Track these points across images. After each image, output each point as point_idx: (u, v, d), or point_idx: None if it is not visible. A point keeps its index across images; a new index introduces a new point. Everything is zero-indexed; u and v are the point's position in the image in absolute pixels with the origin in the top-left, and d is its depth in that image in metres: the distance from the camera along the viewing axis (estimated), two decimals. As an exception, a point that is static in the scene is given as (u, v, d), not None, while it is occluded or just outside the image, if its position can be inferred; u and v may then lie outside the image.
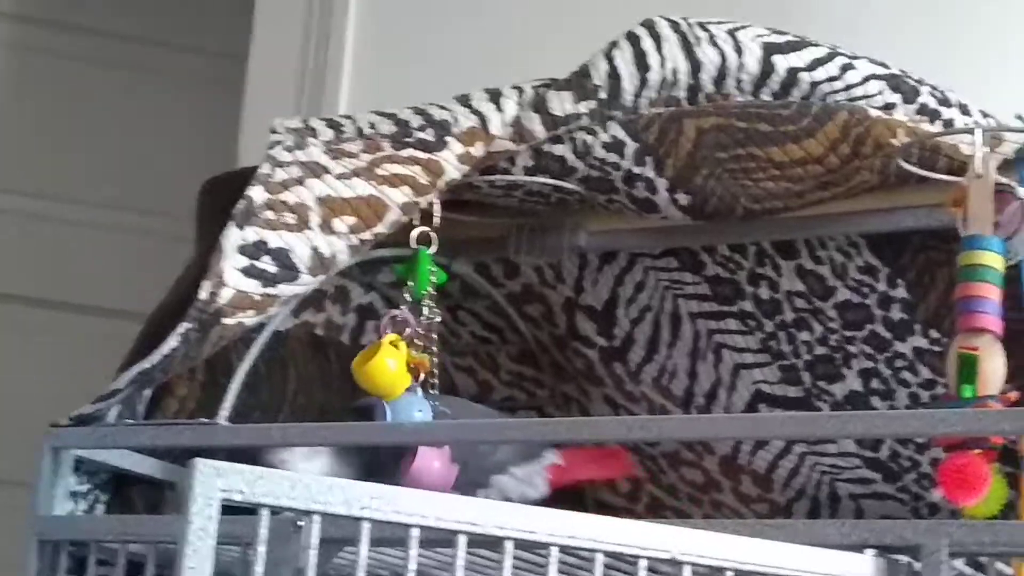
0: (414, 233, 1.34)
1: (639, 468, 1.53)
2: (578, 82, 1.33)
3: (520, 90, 1.35)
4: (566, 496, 1.53)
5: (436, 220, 1.34)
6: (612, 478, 1.50)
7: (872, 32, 1.77)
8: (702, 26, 1.35)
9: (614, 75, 1.33)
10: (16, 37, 2.46)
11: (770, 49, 1.34)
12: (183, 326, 1.21)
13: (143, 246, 2.35)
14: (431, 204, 1.33)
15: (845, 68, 1.34)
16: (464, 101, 1.35)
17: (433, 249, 1.35)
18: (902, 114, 1.32)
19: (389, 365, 1.28)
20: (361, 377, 1.28)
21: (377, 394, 1.29)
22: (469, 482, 1.33)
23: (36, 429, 1.34)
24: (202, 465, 0.89)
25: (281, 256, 1.22)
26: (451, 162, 1.30)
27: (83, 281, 2.38)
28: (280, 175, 1.26)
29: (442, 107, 1.34)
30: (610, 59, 1.33)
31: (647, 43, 1.33)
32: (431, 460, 1.28)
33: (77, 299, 2.38)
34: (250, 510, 0.91)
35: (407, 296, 1.34)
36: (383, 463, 1.31)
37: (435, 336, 1.35)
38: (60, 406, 1.38)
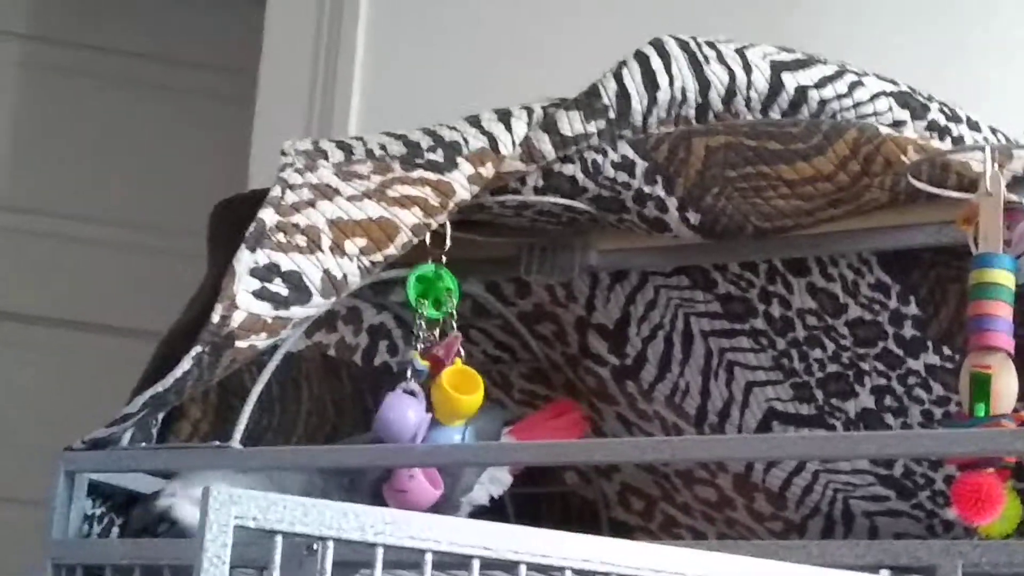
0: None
1: (653, 487, 1.53)
2: (587, 102, 1.33)
3: (530, 110, 1.36)
4: (580, 515, 1.53)
5: (448, 241, 1.34)
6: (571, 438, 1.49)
7: (877, 48, 1.77)
8: (710, 45, 1.35)
9: (623, 94, 1.33)
10: (28, 56, 2.47)
11: (779, 67, 1.35)
12: (196, 349, 1.22)
13: (155, 264, 2.36)
14: (442, 225, 1.33)
15: (854, 86, 1.34)
16: (474, 122, 1.35)
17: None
18: (912, 131, 1.32)
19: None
20: (463, 407, 1.30)
21: (462, 419, 1.31)
22: (451, 504, 1.33)
23: (47, 448, 1.35)
24: (216, 491, 0.89)
25: (293, 279, 1.22)
26: (461, 183, 1.31)
27: (95, 300, 2.39)
28: (291, 197, 1.27)
29: (452, 128, 1.35)
30: (619, 78, 1.33)
31: (656, 62, 1.33)
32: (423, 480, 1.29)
33: (88, 318, 2.38)
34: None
35: (423, 313, 1.34)
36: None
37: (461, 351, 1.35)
38: (73, 426, 1.38)
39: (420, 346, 1.33)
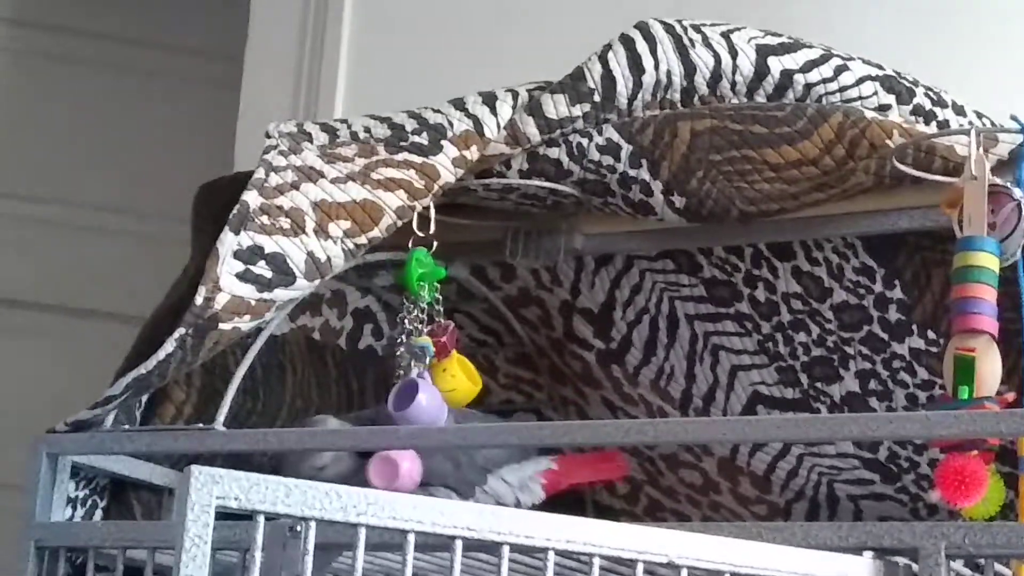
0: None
1: (638, 470, 1.53)
2: (572, 85, 1.33)
3: (515, 93, 1.35)
4: (565, 498, 1.53)
5: (432, 225, 1.34)
6: (608, 480, 1.50)
7: (865, 32, 1.77)
8: (696, 28, 1.35)
9: (608, 78, 1.33)
10: (13, 41, 2.46)
11: (764, 51, 1.34)
12: (179, 331, 1.21)
13: (139, 249, 2.35)
14: (427, 208, 1.32)
15: (839, 70, 1.34)
16: (459, 105, 1.34)
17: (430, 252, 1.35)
18: (897, 115, 1.32)
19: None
20: (470, 395, 1.34)
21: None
22: (465, 481, 1.33)
23: (32, 432, 1.34)
24: (197, 472, 0.89)
25: (276, 261, 1.22)
26: (446, 166, 1.30)
27: (78, 284, 2.38)
28: (275, 180, 1.26)
29: (437, 110, 1.34)
30: (604, 62, 1.33)
31: (641, 45, 1.33)
32: (400, 460, 1.28)
33: (72, 303, 2.38)
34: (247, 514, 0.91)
35: (405, 300, 1.34)
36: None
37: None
38: (56, 409, 1.38)
39: (423, 329, 1.33)
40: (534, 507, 1.36)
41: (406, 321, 1.34)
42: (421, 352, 1.32)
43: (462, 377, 1.34)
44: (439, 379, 1.31)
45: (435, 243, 1.35)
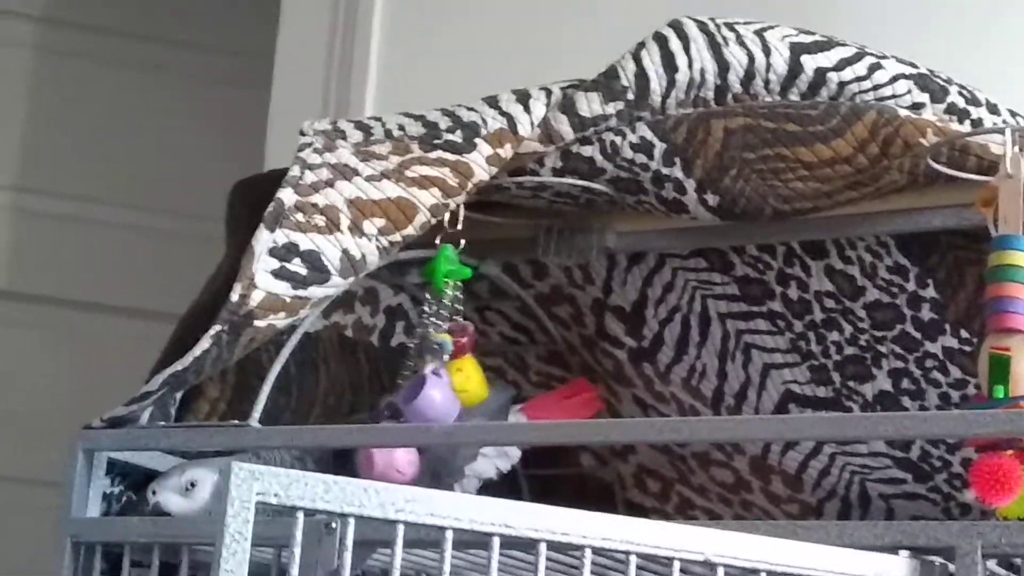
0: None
1: (669, 468, 1.53)
2: (606, 83, 1.33)
3: (548, 91, 1.35)
4: (595, 496, 1.54)
5: (460, 222, 1.34)
6: (582, 418, 1.49)
7: (897, 30, 1.77)
8: (729, 26, 1.35)
9: (642, 76, 1.33)
10: (42, 39, 2.47)
11: (798, 49, 1.34)
12: (214, 328, 1.22)
13: (172, 247, 2.36)
14: (459, 206, 1.33)
15: (873, 68, 1.34)
16: (492, 103, 1.35)
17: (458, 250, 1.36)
18: (931, 113, 1.32)
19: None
20: (482, 396, 1.33)
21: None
22: (445, 487, 1.33)
23: (67, 430, 1.35)
24: (238, 468, 0.89)
25: (311, 258, 1.23)
26: (480, 164, 1.31)
27: (112, 282, 2.39)
28: (310, 177, 1.27)
29: (470, 108, 1.35)
30: (638, 60, 1.33)
31: (675, 44, 1.33)
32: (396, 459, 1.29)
33: (106, 300, 2.39)
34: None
35: (428, 296, 1.35)
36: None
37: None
38: (90, 407, 1.39)
39: (444, 326, 1.34)
40: (559, 498, 1.36)
41: (426, 317, 1.35)
42: (439, 348, 1.32)
43: (475, 380, 1.33)
44: (453, 378, 1.31)
45: (463, 241, 1.35)
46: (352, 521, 0.92)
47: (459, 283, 1.36)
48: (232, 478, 0.88)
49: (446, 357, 1.31)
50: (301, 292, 1.23)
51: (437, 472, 1.33)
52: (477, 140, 1.31)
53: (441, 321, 1.34)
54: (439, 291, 1.34)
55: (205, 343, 1.22)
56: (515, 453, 1.38)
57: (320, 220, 1.24)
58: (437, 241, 1.35)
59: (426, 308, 1.35)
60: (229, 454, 1.30)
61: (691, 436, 1.22)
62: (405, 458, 1.29)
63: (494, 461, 1.36)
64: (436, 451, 1.31)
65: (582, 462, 1.56)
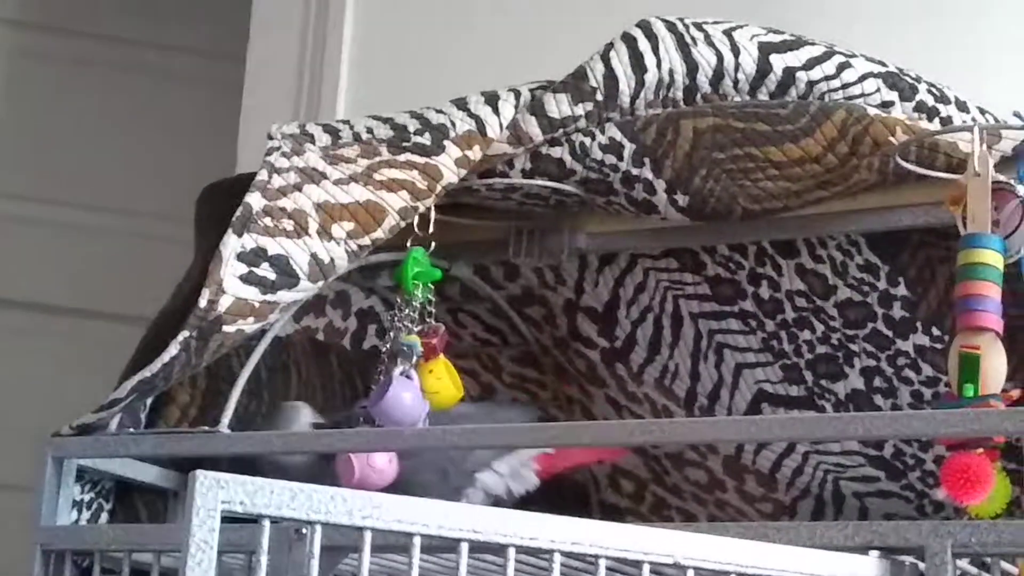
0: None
1: (643, 469, 1.53)
2: (575, 84, 1.33)
3: (517, 93, 1.35)
4: (570, 496, 1.53)
5: (431, 225, 1.34)
6: (606, 460, 1.49)
7: (867, 29, 1.77)
8: (698, 26, 1.35)
9: (611, 77, 1.32)
10: (15, 42, 2.46)
11: (766, 49, 1.34)
12: (183, 334, 1.21)
13: (142, 250, 2.35)
14: (429, 208, 1.32)
15: (842, 67, 1.34)
16: (461, 105, 1.34)
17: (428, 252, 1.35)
18: (900, 112, 1.32)
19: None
20: (454, 399, 1.33)
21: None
22: (452, 489, 1.33)
23: (35, 434, 1.34)
24: (203, 477, 0.89)
25: (280, 263, 1.22)
26: (449, 166, 1.30)
27: (83, 286, 2.38)
28: (278, 181, 1.26)
29: (439, 111, 1.34)
30: (606, 61, 1.33)
31: (643, 44, 1.33)
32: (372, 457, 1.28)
33: (74, 303, 2.38)
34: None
35: (399, 299, 1.34)
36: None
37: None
38: (59, 411, 1.38)
39: (415, 328, 1.33)
40: (534, 502, 1.36)
41: (396, 319, 1.34)
42: (408, 350, 1.31)
43: (447, 381, 1.33)
44: (424, 380, 1.31)
45: (433, 243, 1.35)
46: (319, 528, 0.92)
47: (430, 285, 1.35)
48: (196, 486, 0.88)
49: (415, 359, 1.31)
50: (270, 297, 1.22)
51: (445, 471, 1.33)
52: (446, 142, 1.31)
53: (412, 323, 1.34)
54: (409, 293, 1.34)
55: (173, 349, 1.22)
56: (531, 479, 1.37)
57: (288, 224, 1.23)
58: (408, 244, 1.35)
59: (396, 311, 1.35)
60: None
61: (663, 438, 1.22)
62: (383, 457, 1.29)
63: (506, 480, 1.36)
64: (418, 477, 1.31)
65: (556, 463, 1.56)
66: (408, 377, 1.30)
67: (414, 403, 1.27)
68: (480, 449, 1.33)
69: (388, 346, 1.35)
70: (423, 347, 1.32)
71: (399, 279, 1.34)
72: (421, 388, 1.30)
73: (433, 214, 1.33)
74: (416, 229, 1.32)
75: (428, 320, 1.34)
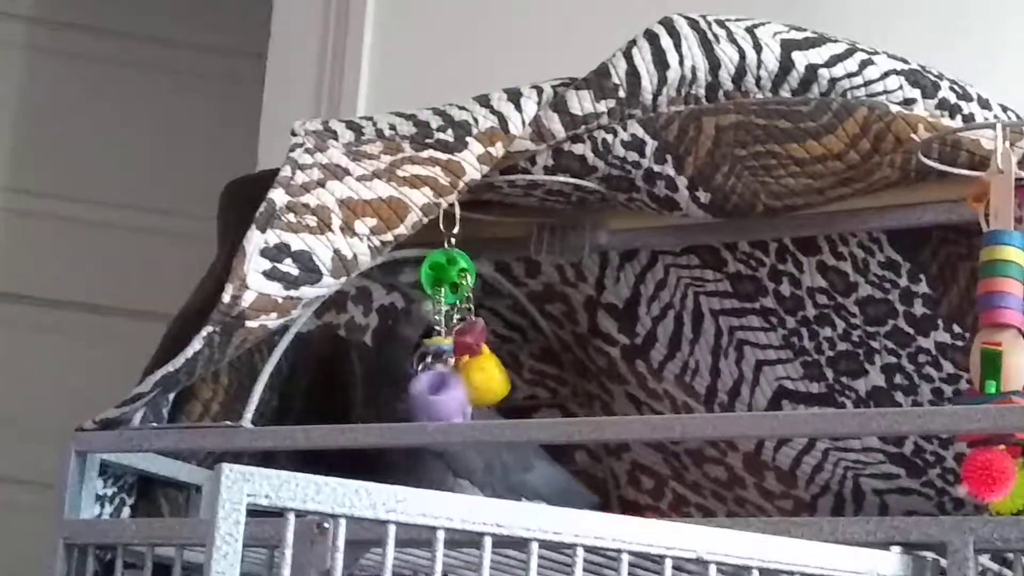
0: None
1: (663, 465, 1.53)
2: (597, 81, 1.33)
3: (539, 89, 1.35)
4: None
5: (457, 223, 1.34)
6: None
7: (887, 27, 1.77)
8: (720, 23, 1.35)
9: (633, 73, 1.33)
10: (34, 39, 2.47)
11: (789, 46, 1.34)
12: (206, 329, 1.22)
13: (164, 247, 2.36)
14: (452, 205, 1.32)
15: (864, 64, 1.34)
16: (483, 101, 1.35)
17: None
18: (922, 109, 1.32)
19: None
20: (500, 391, 1.32)
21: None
22: (487, 484, 1.33)
23: (60, 431, 1.35)
24: (228, 470, 0.89)
25: (303, 259, 1.22)
26: (471, 163, 1.30)
27: (105, 282, 2.39)
28: (301, 178, 1.27)
29: (461, 107, 1.35)
30: (629, 58, 1.33)
31: (666, 41, 1.33)
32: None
33: (99, 300, 2.39)
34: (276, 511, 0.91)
35: (441, 300, 1.33)
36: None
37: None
38: (83, 408, 1.39)
39: (442, 331, 1.33)
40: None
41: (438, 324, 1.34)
42: (438, 353, 1.31)
43: (497, 375, 1.32)
44: (474, 374, 1.30)
45: (449, 241, 1.34)
46: (343, 522, 0.92)
47: (464, 282, 1.34)
48: (222, 479, 0.88)
49: (451, 360, 1.30)
50: (293, 292, 1.23)
51: (491, 465, 1.33)
52: (468, 139, 1.31)
53: (439, 326, 1.33)
54: (431, 296, 1.33)
55: (197, 344, 1.22)
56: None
57: (311, 220, 1.24)
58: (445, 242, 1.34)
59: (436, 318, 1.34)
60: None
61: (684, 434, 1.22)
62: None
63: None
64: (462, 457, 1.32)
65: (576, 459, 1.56)
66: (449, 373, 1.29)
67: (452, 399, 1.27)
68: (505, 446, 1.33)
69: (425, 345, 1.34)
70: (463, 345, 1.31)
71: (439, 274, 1.34)
72: (470, 384, 1.30)
73: (458, 211, 1.33)
74: (441, 226, 1.32)
75: (467, 316, 1.34)
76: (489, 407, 1.34)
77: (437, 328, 1.33)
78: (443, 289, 1.33)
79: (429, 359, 1.32)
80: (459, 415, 1.27)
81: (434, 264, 1.33)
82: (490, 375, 1.31)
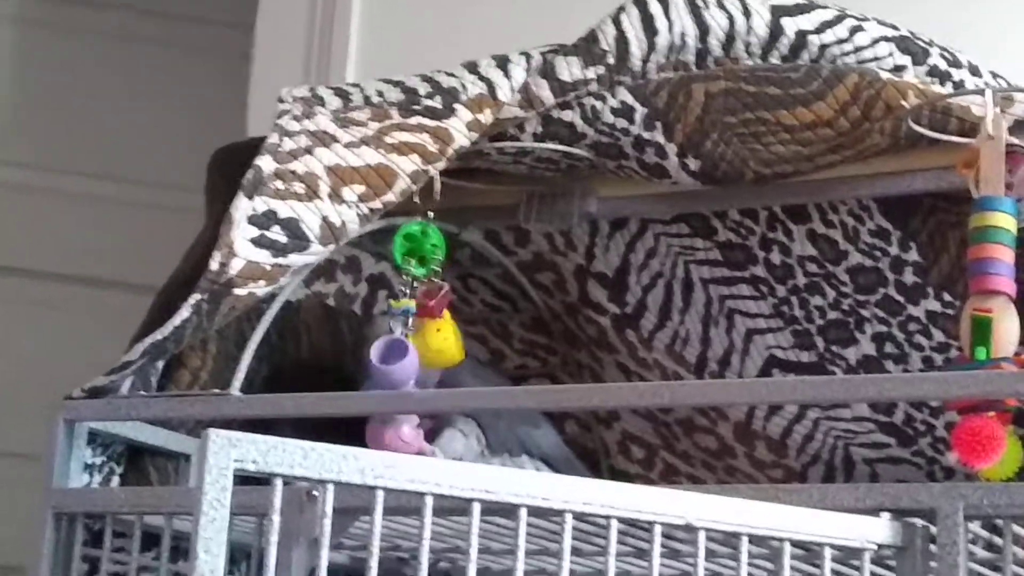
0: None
1: (653, 435, 1.53)
2: (586, 47, 1.32)
3: (528, 56, 1.35)
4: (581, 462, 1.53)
5: (437, 190, 1.32)
6: None
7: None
8: (710, -11, 1.34)
9: (622, 40, 1.32)
10: (22, 12, 2.45)
11: (778, 12, 1.34)
12: (194, 297, 1.21)
13: (152, 219, 2.35)
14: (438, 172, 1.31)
15: (854, 30, 1.33)
16: (472, 68, 1.34)
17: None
18: (912, 76, 1.31)
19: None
20: (453, 357, 1.31)
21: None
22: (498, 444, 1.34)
23: (46, 402, 1.35)
24: (215, 435, 0.89)
25: (291, 226, 1.22)
26: (460, 129, 1.30)
27: (93, 254, 2.38)
28: (288, 144, 1.26)
29: (450, 74, 1.34)
30: (618, 24, 1.32)
31: (655, 7, 1.33)
32: (400, 425, 1.28)
33: (87, 272, 2.38)
34: (264, 480, 0.91)
35: (409, 271, 1.32)
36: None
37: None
38: (72, 379, 1.38)
39: (408, 292, 1.32)
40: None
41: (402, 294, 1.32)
42: (404, 315, 1.30)
43: (452, 340, 1.32)
44: (431, 338, 1.29)
45: (431, 212, 1.32)
46: (331, 488, 0.92)
47: (436, 256, 1.32)
48: (209, 445, 0.88)
49: (409, 321, 1.29)
50: (281, 260, 1.22)
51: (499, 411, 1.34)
52: (457, 106, 1.30)
53: (408, 288, 1.32)
54: (400, 268, 1.31)
55: (185, 312, 1.22)
56: None
57: (299, 187, 1.23)
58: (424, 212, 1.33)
59: (403, 289, 1.32)
60: None
61: (673, 401, 1.21)
62: (412, 428, 1.29)
63: None
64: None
65: (566, 429, 1.56)
66: (402, 340, 1.28)
67: (415, 366, 1.27)
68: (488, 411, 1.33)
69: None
70: (426, 307, 1.30)
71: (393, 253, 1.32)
72: (425, 346, 1.29)
73: (437, 181, 1.30)
74: (416, 198, 1.29)
75: (433, 279, 1.32)
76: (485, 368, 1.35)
77: (404, 290, 1.31)
78: (413, 260, 1.32)
79: (391, 322, 1.30)
80: (410, 381, 1.26)
81: (408, 234, 1.32)
82: (445, 338, 1.30)
